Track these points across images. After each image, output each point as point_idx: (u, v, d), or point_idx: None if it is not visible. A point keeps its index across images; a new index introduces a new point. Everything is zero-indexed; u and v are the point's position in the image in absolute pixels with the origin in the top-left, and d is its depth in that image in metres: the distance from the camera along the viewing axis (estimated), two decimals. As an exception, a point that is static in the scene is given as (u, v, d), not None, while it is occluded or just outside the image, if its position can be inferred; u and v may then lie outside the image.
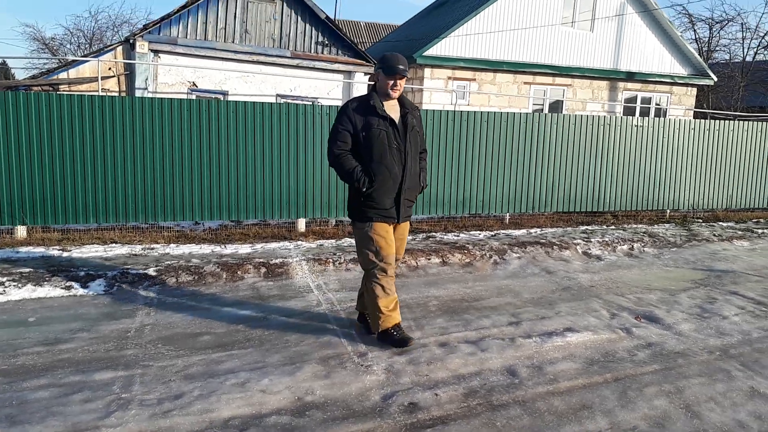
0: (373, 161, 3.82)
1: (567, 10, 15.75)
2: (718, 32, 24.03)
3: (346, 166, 3.84)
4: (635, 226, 8.60)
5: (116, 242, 6.56)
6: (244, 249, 6.42)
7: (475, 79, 15.24)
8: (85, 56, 15.11)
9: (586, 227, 8.32)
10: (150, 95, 11.36)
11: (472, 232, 7.64)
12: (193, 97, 12.03)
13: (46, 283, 5.04)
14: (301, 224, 7.62)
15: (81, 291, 5.04)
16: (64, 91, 11.19)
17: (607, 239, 7.43)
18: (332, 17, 13.71)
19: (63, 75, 11.57)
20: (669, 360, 3.97)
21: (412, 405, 3.23)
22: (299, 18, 12.96)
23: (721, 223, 9.20)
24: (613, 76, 16.46)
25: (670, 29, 16.73)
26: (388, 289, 3.93)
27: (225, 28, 12.36)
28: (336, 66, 13.49)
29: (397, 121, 3.89)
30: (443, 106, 14.64)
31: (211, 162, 7.00)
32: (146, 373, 3.53)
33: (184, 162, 6.89)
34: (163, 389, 3.32)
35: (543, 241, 7.18)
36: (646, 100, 17.15)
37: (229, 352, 3.86)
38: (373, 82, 4.02)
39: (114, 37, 25.68)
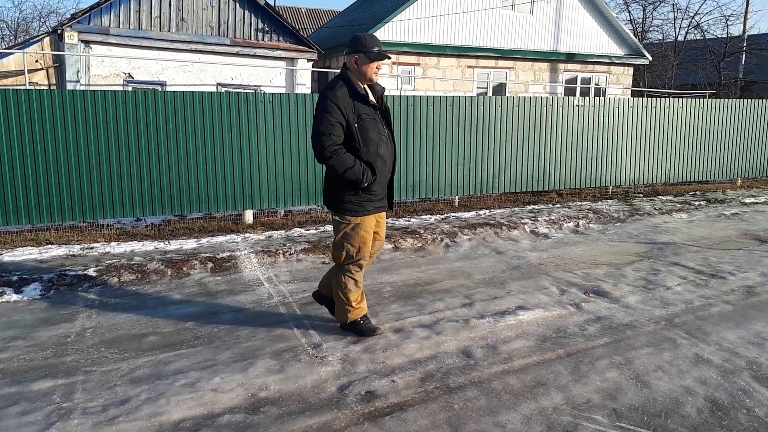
0: (370, 152, 3.58)
1: (507, -7, 15.91)
2: (651, 13, 24.93)
3: (344, 164, 3.49)
4: (580, 203, 8.81)
5: (52, 243, 6.23)
6: (190, 244, 6.21)
7: (419, 64, 15.24)
8: (8, 48, 14.26)
9: (533, 207, 8.47)
10: (83, 88, 10.82)
11: (423, 217, 7.64)
12: (129, 88, 11.55)
13: (-25, 290, 4.73)
14: (249, 216, 7.44)
15: (14, 297, 4.75)
16: (-13, 86, 10.53)
17: (553, 217, 7.57)
18: (272, 3, 13.40)
19: (-15, 69, 10.89)
20: (618, 332, 4.06)
21: (369, 394, 3.18)
22: (238, 5, 12.60)
23: (660, 197, 9.53)
24: (553, 58, 16.78)
25: (607, 11, 17.15)
26: (360, 283, 3.88)
27: (160, 17, 11.89)
28: (278, 53, 13.21)
29: (377, 106, 3.74)
30: (388, 91, 14.52)
31: (150, 155, 6.72)
32: (89, 379, 3.35)
33: (122, 156, 6.59)
34: (107, 395, 3.16)
35: (492, 222, 7.25)
36: (586, 81, 17.58)
37: (177, 352, 3.71)
38: (348, 68, 3.67)
39: (41, 28, 24.40)
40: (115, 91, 6.55)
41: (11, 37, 24.40)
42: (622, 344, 3.87)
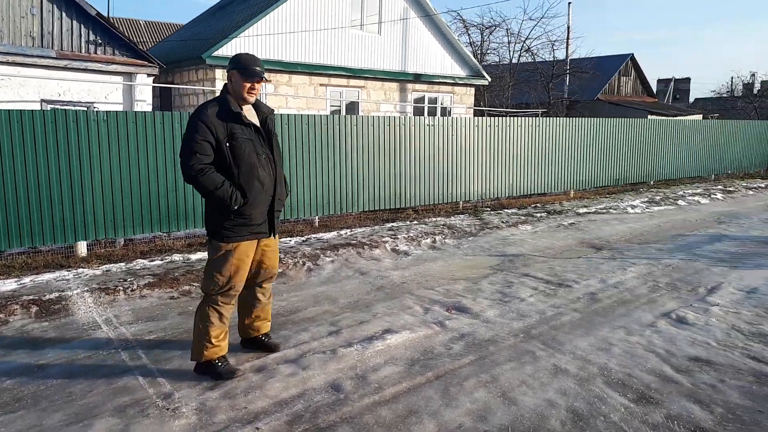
0: (242, 174, 3.40)
1: (355, 13, 16.15)
2: (488, 36, 26.75)
3: (212, 183, 3.33)
4: (435, 219, 9.04)
5: None
6: (9, 285, 5.34)
7: (270, 81, 14.88)
8: None
9: (392, 224, 8.52)
10: None
11: (282, 240, 7.33)
12: (-72, 104, 9.88)
13: None
14: (82, 247, 6.62)
15: None
16: None
17: (412, 234, 7.66)
18: (105, 14, 12.30)
19: None
20: (481, 349, 4.11)
21: (230, 447, 2.85)
22: (64, 14, 11.37)
23: (506, 210, 10.10)
24: (402, 78, 17.31)
25: (449, 34, 18.11)
26: (226, 318, 3.56)
27: (-34, 23, 10.35)
28: (113, 67, 12.13)
29: (258, 127, 3.52)
30: (239, 109, 14.03)
31: (-45, 183, 5.71)
32: None
33: None
34: None
35: (354, 242, 7.15)
36: (433, 100, 18.37)
37: (-11, 422, 3.08)
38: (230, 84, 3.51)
39: None
40: None
41: None
42: (486, 361, 3.90)
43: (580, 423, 3.13)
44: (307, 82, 15.52)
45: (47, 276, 5.67)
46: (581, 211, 10.17)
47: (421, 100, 18.03)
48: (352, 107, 16.61)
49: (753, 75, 48.10)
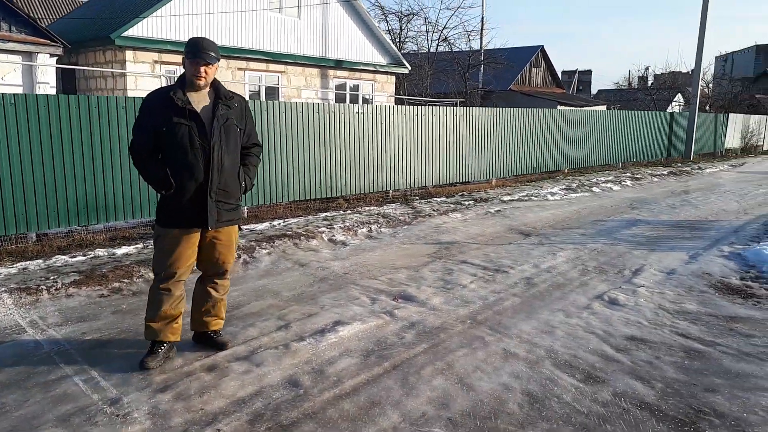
0: (170, 160, 3.41)
1: (274, -6, 15.74)
2: (407, 24, 26.94)
3: (144, 167, 3.46)
4: (368, 208, 9.03)
5: None
6: None
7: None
8: None
9: (325, 214, 8.43)
10: None
11: (211, 231, 7.05)
12: None
13: None
14: (-8, 244, 6.06)
15: None
16: None
17: (347, 224, 7.62)
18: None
19: None
20: (433, 337, 4.15)
21: (193, 452, 2.72)
22: (-48, -16, 10.29)
23: (435, 198, 10.27)
24: (323, 64, 17.09)
25: (370, 21, 18.06)
26: (165, 304, 3.51)
27: None
28: (10, 45, 11.14)
29: (203, 114, 3.39)
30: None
31: None
32: None
33: None
34: None
35: (289, 232, 7.00)
36: (354, 88, 18.29)
37: None
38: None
39: None
40: None
41: None
42: (439, 348, 3.95)
43: (536, 405, 3.24)
44: (224, 65, 14.94)
45: (-47, 276, 5.15)
46: (506, 198, 10.52)
47: (342, 87, 17.89)
48: (272, 92, 16.22)
49: (647, 69, 51.76)
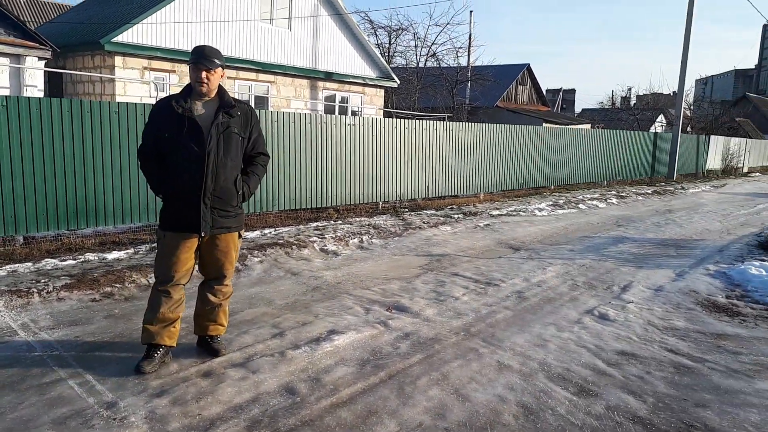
0: (169, 167, 3.49)
1: (264, 5, 15.80)
2: (396, 39, 27.19)
3: (146, 172, 3.60)
4: (359, 219, 9.06)
5: None
6: None
7: (175, 71, 14.20)
8: None
9: (316, 224, 8.44)
10: None
11: (202, 238, 7.02)
12: None
13: None
14: (-21, 246, 5.98)
15: None
16: None
17: (339, 234, 7.63)
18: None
19: None
20: (427, 347, 4.18)
21: (193, 458, 2.71)
22: (-58, -17, 10.19)
23: (425, 211, 10.32)
24: (312, 75, 17.16)
25: (360, 34, 18.20)
26: (164, 306, 3.52)
27: None
28: None
29: (202, 121, 3.42)
30: (141, 98, 13.25)
31: None
32: None
33: None
34: None
35: (281, 241, 7.00)
36: (344, 100, 18.38)
37: None
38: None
39: None
40: None
41: None
42: (434, 359, 3.98)
43: (531, 417, 3.27)
44: (216, 74, 14.96)
45: (-59, 277, 5.07)
46: (494, 213, 10.61)
47: (332, 98, 17.97)
48: (261, 102, 16.24)
49: (629, 89, 52.67)
